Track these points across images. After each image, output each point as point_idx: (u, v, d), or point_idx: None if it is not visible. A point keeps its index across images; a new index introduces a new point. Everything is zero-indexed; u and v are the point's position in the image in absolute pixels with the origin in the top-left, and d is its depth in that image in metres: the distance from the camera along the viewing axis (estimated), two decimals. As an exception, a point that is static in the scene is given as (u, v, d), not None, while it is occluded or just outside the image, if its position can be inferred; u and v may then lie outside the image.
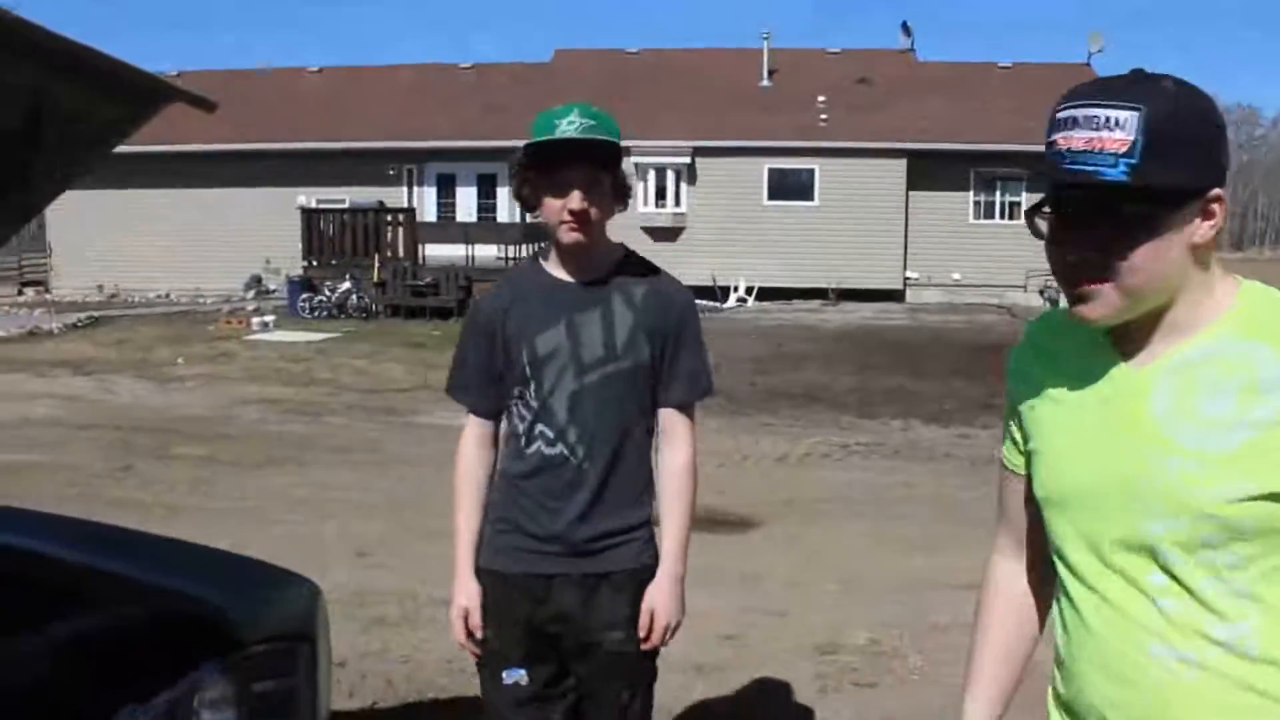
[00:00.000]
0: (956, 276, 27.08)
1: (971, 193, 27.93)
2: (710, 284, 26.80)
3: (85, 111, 2.32)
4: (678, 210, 27.72)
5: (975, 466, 9.98)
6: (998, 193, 27.85)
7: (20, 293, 30.16)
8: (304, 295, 22.55)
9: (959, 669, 5.11)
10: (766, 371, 15.59)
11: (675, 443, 2.64)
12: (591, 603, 2.59)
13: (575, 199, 2.46)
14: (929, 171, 27.21)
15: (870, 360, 16.54)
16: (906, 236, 27.13)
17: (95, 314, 22.93)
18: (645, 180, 27.69)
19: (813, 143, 27.80)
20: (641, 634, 2.59)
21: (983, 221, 27.93)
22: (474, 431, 2.72)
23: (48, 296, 27.89)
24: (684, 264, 27.21)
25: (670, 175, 27.89)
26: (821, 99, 29.39)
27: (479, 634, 2.67)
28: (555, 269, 2.62)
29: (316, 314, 22.05)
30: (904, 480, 9.08)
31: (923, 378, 15.08)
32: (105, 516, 7.24)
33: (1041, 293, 27.10)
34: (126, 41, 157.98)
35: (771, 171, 27.94)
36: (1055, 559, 1.60)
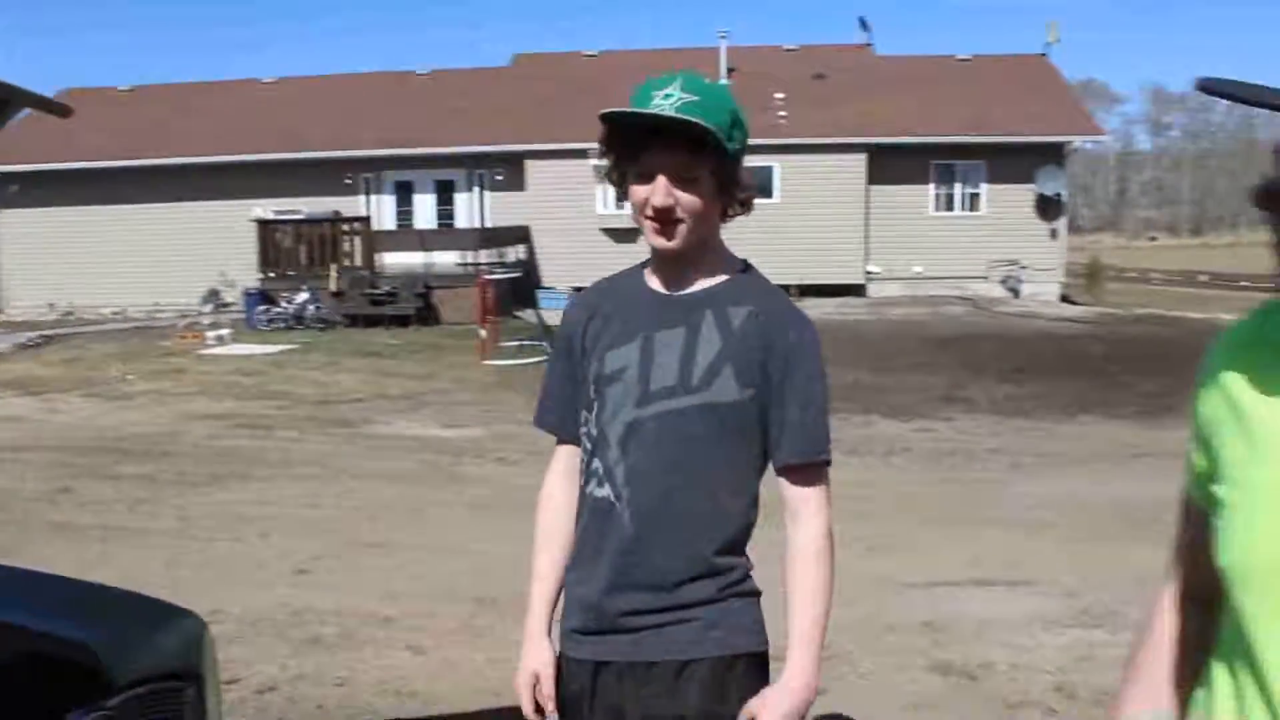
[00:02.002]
0: (918, 269, 27.04)
1: (931, 185, 27.91)
2: (672, 284, 26.64)
3: None
4: (638, 211, 27.57)
5: (936, 460, 9.89)
6: (957, 184, 27.85)
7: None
8: (261, 307, 22.29)
9: (912, 673, 4.98)
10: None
11: (794, 517, 2.07)
12: (640, 697, 2.06)
13: (660, 191, 1.99)
14: (888, 165, 27.17)
15: (830, 355, 16.39)
16: (867, 230, 27.07)
17: (47, 333, 22.54)
18: (604, 182, 27.53)
19: (772, 140, 27.69)
20: None
21: (943, 213, 27.92)
22: (560, 463, 2.25)
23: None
24: (645, 265, 27.11)
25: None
26: (780, 96, 29.32)
27: (549, 705, 2.16)
28: (651, 277, 2.16)
29: (274, 326, 21.78)
30: (862, 477, 8.95)
31: (883, 371, 14.99)
32: (39, 541, 7.03)
33: (1003, 282, 27.14)
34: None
35: (731, 170, 27.85)
36: (1237, 640, 1.20)
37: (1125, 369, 15.13)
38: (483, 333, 17.75)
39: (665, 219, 2.03)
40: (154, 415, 12.80)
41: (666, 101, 1.97)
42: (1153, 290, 35.24)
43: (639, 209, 2.06)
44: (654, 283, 2.15)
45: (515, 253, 26.36)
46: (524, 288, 25.05)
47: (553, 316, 23.07)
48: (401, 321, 21.65)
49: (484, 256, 24.29)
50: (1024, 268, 27.04)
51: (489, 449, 10.53)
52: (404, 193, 29.01)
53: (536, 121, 27.95)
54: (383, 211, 28.41)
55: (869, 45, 33.08)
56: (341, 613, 5.71)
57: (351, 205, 27.65)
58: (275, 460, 10.09)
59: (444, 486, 9.09)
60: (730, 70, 30.68)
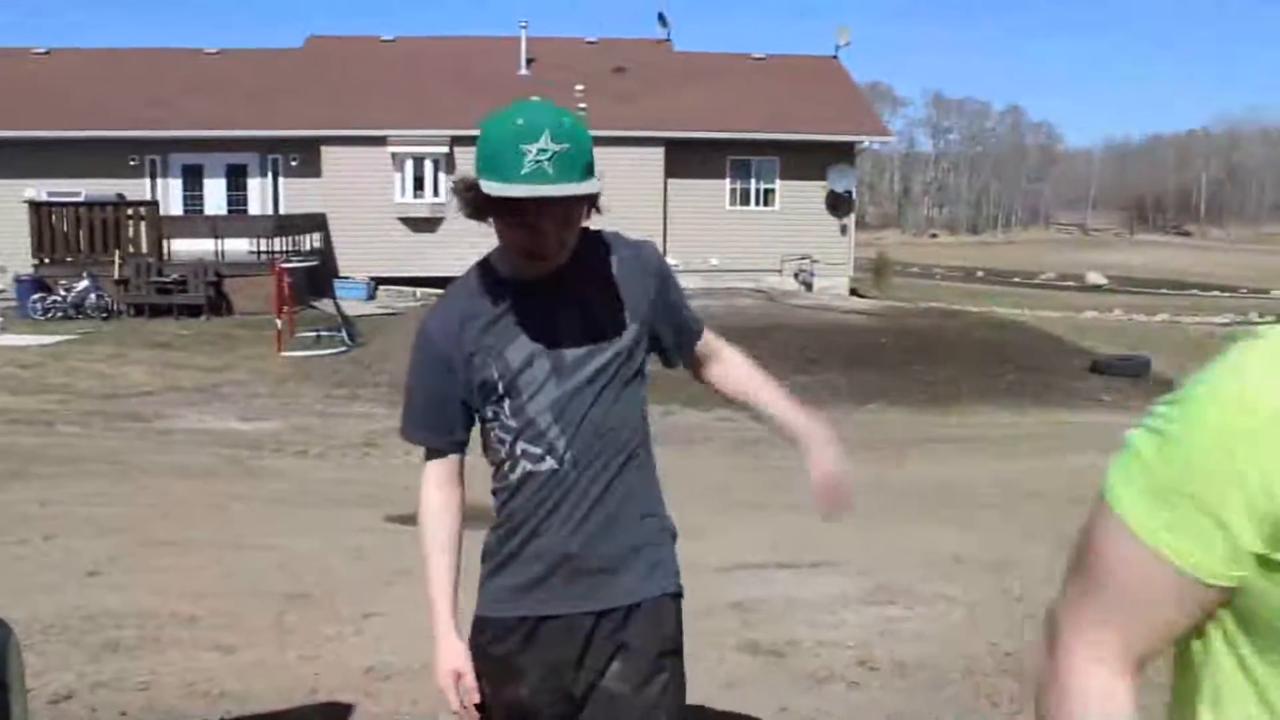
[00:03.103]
0: (714, 261, 27.63)
1: (727, 180, 28.57)
2: (473, 275, 26.44)
3: None
4: (436, 201, 27.25)
5: (738, 449, 10.17)
6: (753, 180, 28.60)
7: None
8: (36, 295, 21.05)
9: (724, 652, 5.12)
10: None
11: (716, 354, 2.43)
12: (590, 645, 2.21)
13: (546, 244, 2.09)
14: (686, 160, 27.67)
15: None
16: (665, 223, 27.49)
17: None
18: (403, 170, 27.15)
19: (572, 131, 27.88)
20: (821, 501, 2.27)
21: (738, 208, 28.62)
22: (434, 472, 2.32)
23: None
24: (443, 254, 26.83)
25: (428, 165, 27.39)
26: (580, 88, 29.45)
27: (475, 698, 2.27)
28: (507, 269, 2.21)
29: (51, 315, 20.63)
30: (665, 464, 9.11)
31: (685, 363, 15.28)
32: None
33: (796, 276, 28.02)
34: None
35: (531, 161, 27.84)
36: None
37: (912, 359, 15.86)
38: (279, 323, 17.25)
39: (546, 254, 2.11)
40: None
41: (543, 158, 1.99)
42: (936, 285, 36.99)
43: (515, 246, 2.12)
44: (515, 271, 2.19)
45: (311, 241, 25.68)
46: (320, 277, 24.44)
47: (351, 306, 22.64)
48: (192, 311, 20.83)
49: (279, 244, 23.57)
50: (816, 262, 27.98)
51: (288, 442, 10.28)
52: (193, 177, 27.88)
53: (333, 107, 27.29)
54: (170, 196, 27.24)
55: (668, 40, 33.56)
56: (141, 615, 5.48)
57: (136, 189, 26.42)
58: (59, 457, 9.59)
59: (242, 481, 8.84)
60: (530, 61, 30.66)
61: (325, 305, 22.29)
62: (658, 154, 27.67)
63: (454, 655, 2.27)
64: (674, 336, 2.34)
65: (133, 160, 27.11)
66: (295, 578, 6.01)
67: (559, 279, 2.17)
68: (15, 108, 26.94)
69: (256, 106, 27.16)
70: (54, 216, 22.65)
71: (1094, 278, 41.52)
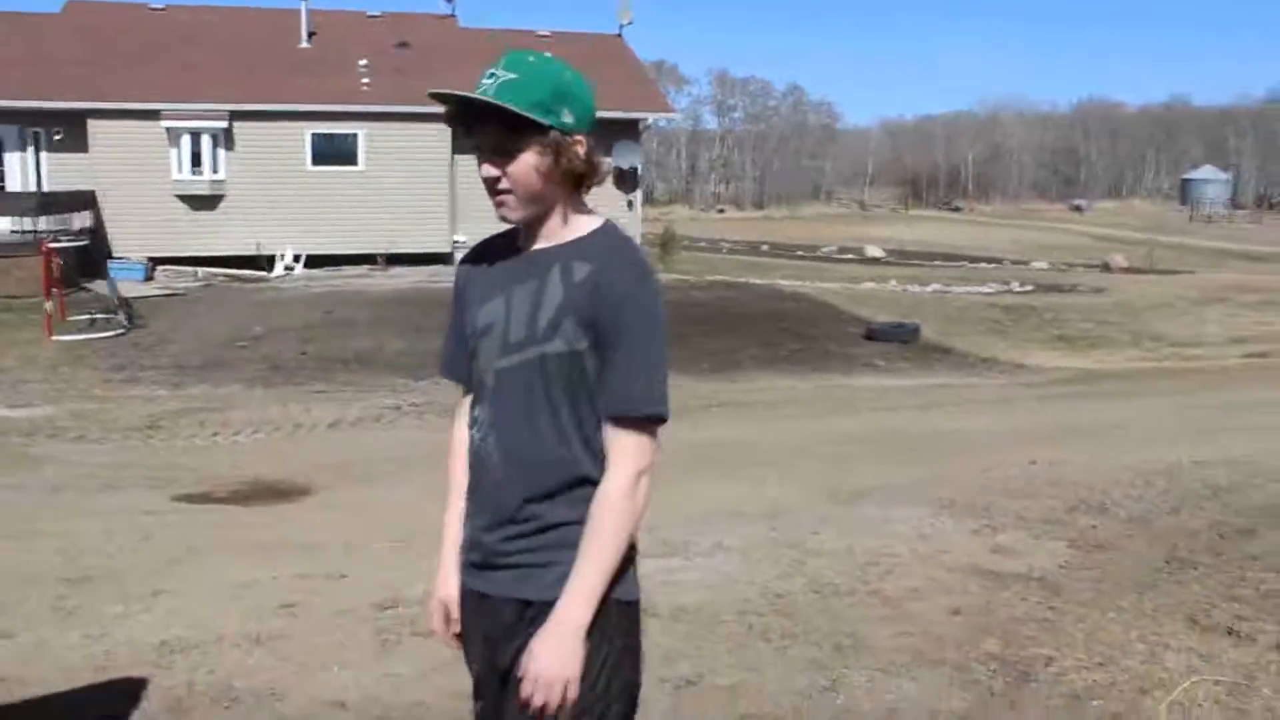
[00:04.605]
0: (506, 239, 27.66)
1: (516, 156, 28.62)
2: (255, 253, 25.81)
3: None
4: (216, 177, 26.36)
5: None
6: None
7: None
8: None
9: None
10: (316, 339, 15.28)
11: (609, 465, 2.12)
12: (509, 632, 2.18)
13: (486, 177, 2.14)
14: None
15: (421, 323, 16.62)
16: (454, 200, 27.36)
17: None
18: (179, 146, 26.13)
19: (356, 107, 27.35)
20: (522, 696, 2.10)
21: (528, 184, 28.72)
22: (462, 408, 2.34)
23: None
24: (225, 233, 26.09)
25: (206, 140, 26.43)
26: (363, 62, 28.96)
27: (457, 629, 2.32)
28: (520, 235, 2.24)
29: None
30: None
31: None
32: None
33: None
34: None
35: (315, 136, 27.23)
36: None
37: (697, 330, 16.37)
38: (49, 306, 16.47)
39: (493, 191, 2.15)
40: None
41: (489, 82, 2.09)
42: (723, 258, 37.94)
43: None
44: (520, 241, 2.24)
45: (80, 220, 24.47)
46: (91, 258, 23.35)
47: (128, 288, 21.67)
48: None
49: (44, 224, 22.39)
50: (605, 237, 28.33)
51: (65, 427, 9.93)
52: (-57, 151, 26.14)
53: (100, 78, 26.01)
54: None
55: (453, 16, 33.28)
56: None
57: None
58: None
59: (15, 468, 8.51)
60: (311, 34, 29.94)
61: (98, 286, 21.32)
62: (444, 130, 27.24)
63: (444, 586, 2.32)
64: (600, 384, 2.12)
65: None
66: (74, 562, 5.89)
67: (537, 257, 2.18)
68: None
69: (15, 75, 25.62)
70: None
71: (872, 251, 43.27)
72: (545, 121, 2.11)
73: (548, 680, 2.06)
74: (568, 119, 2.15)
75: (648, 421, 2.13)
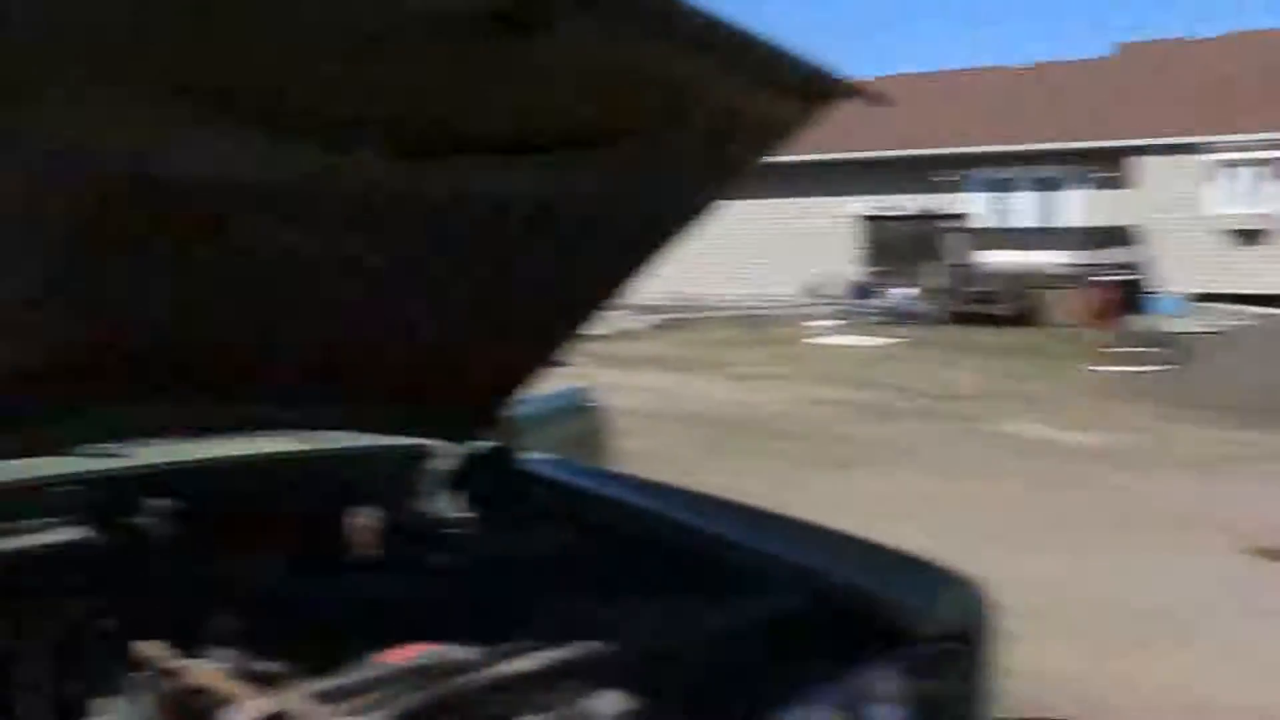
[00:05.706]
0: None
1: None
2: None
3: (741, 109, 2.09)
4: (1258, 211, 24.94)
5: None
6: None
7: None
8: (862, 301, 22.91)
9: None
10: None
11: None
12: None
13: None
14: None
15: None
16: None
17: (671, 316, 24.54)
18: (1215, 179, 25.21)
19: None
20: None
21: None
22: None
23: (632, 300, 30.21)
24: (1268, 269, 24.45)
25: (1245, 172, 25.16)
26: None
27: None
28: None
29: (875, 320, 22.24)
30: None
31: None
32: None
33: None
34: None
35: None
36: None
37: None
38: (1095, 337, 17.01)
39: None
40: (777, 396, 13.69)
41: None
42: None
43: None
44: None
45: (1124, 255, 24.82)
46: (1133, 291, 23.58)
47: (1166, 324, 21.42)
48: (1002, 321, 21.25)
49: (1090, 258, 23.15)
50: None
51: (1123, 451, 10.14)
52: (998, 189, 28.28)
53: (1143, 117, 26.11)
54: (975, 209, 27.91)
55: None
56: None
57: (938, 202, 27.35)
58: (893, 451, 10.37)
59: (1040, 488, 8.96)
60: None
61: (1137, 320, 21.49)
62: None
63: None
64: None
65: (941, 176, 28.11)
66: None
67: None
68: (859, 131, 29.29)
69: (1064, 119, 26.75)
70: (881, 229, 24.52)
71: None
72: None
73: None
74: None
75: None
